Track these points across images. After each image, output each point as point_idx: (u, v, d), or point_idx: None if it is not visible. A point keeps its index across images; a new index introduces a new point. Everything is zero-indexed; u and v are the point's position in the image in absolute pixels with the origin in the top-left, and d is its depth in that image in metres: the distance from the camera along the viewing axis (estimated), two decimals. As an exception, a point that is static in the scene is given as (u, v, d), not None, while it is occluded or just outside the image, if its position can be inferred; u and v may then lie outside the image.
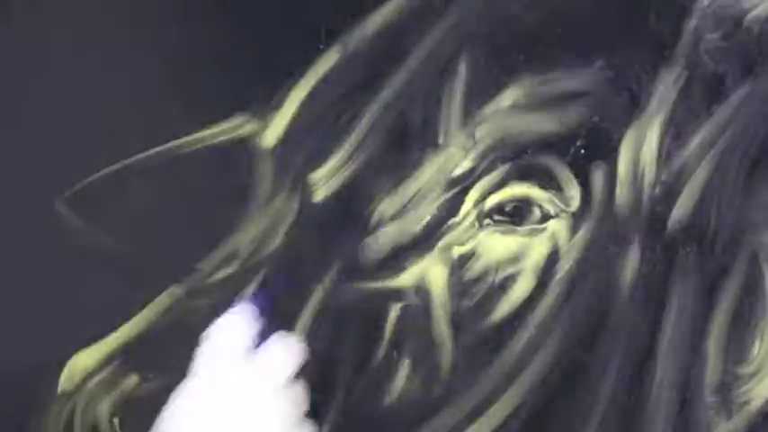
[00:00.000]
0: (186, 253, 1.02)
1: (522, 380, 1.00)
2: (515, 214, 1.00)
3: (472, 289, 1.01)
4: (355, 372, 1.01)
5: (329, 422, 1.01)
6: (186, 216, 1.02)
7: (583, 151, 1.00)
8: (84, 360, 1.01)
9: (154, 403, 1.01)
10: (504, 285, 1.01)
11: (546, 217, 1.00)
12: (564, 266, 1.00)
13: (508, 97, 1.01)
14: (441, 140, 1.01)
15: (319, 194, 1.01)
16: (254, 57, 1.02)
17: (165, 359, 1.01)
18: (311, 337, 1.00)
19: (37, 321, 1.03)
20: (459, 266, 1.00)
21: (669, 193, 1.00)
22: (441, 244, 1.01)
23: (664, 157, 1.00)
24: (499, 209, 1.00)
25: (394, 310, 1.01)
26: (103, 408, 1.01)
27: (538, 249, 1.00)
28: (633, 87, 1.00)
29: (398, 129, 1.01)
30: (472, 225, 1.01)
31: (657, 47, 1.00)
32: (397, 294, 1.01)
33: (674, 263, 1.00)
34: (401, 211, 1.01)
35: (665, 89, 1.00)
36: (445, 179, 1.01)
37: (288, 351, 0.89)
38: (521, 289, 1.00)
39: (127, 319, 1.02)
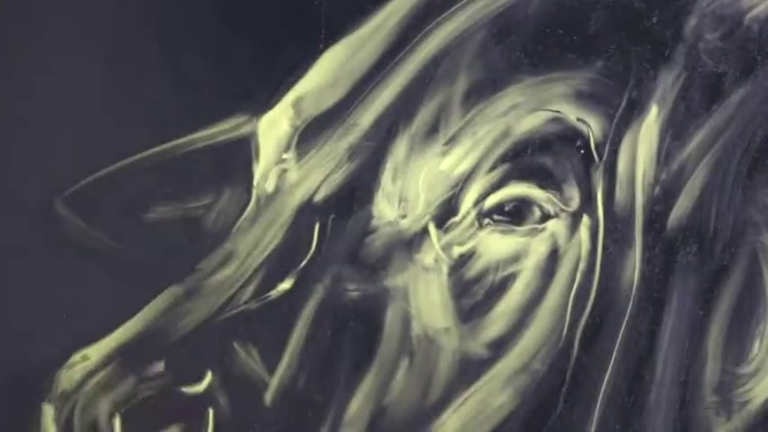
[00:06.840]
0: (186, 253, 1.02)
1: (521, 380, 1.00)
2: (515, 214, 1.00)
3: (472, 289, 1.01)
4: (355, 372, 1.01)
5: (329, 422, 1.01)
6: (186, 216, 1.02)
7: (582, 151, 1.00)
8: (84, 360, 1.01)
9: (154, 403, 1.01)
10: (504, 285, 1.01)
11: (546, 217, 1.00)
12: (564, 266, 1.00)
13: (508, 97, 1.00)
14: (441, 140, 1.01)
15: (319, 194, 1.01)
16: (254, 56, 1.02)
17: (165, 359, 1.01)
18: (311, 337, 1.00)
19: (37, 321, 1.03)
20: (459, 266, 1.01)
21: (669, 193, 1.00)
22: (441, 244, 1.01)
23: (663, 157, 1.00)
24: (499, 209, 1.00)
25: (393, 310, 1.01)
26: (103, 408, 1.01)
27: (538, 249, 1.00)
28: (633, 87, 1.00)
29: (398, 128, 1.01)
30: (472, 225, 1.01)
31: (657, 47, 1.00)
32: (396, 294, 1.01)
33: (674, 263, 1.00)
34: (401, 210, 1.01)
35: (665, 89, 1.00)
36: (445, 179, 1.01)
37: None
38: (521, 289, 1.00)
39: (126, 319, 1.02)
